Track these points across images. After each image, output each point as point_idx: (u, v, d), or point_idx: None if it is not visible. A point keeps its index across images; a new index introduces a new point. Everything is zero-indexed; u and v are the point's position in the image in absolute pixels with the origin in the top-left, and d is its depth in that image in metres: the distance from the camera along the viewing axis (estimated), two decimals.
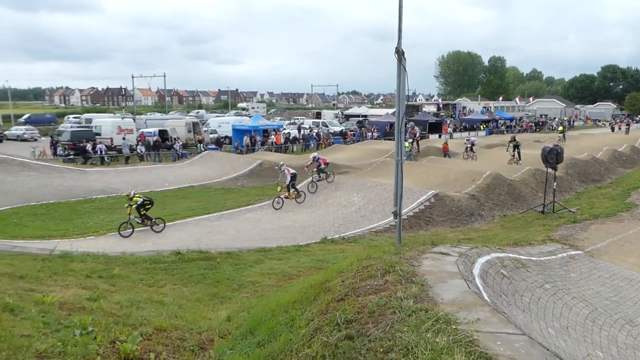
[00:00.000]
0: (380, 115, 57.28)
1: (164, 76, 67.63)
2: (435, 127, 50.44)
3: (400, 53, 6.91)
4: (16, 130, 47.86)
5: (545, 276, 7.55)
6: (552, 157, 16.48)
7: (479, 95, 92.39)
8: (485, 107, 71.37)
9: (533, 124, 63.93)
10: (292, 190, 18.31)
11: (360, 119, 58.52)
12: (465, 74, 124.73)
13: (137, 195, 14.86)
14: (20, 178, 22.21)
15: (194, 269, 9.46)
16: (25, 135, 45.23)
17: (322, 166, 19.83)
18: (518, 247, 9.26)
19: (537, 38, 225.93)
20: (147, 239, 14.00)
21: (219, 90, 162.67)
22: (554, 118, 74.37)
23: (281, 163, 19.25)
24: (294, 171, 18.49)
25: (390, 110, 59.25)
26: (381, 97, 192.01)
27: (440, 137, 46.10)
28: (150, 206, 14.95)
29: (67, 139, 33.12)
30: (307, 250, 11.85)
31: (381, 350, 3.35)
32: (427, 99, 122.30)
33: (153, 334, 5.02)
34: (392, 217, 13.43)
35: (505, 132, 56.47)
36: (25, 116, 64.28)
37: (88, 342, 4.38)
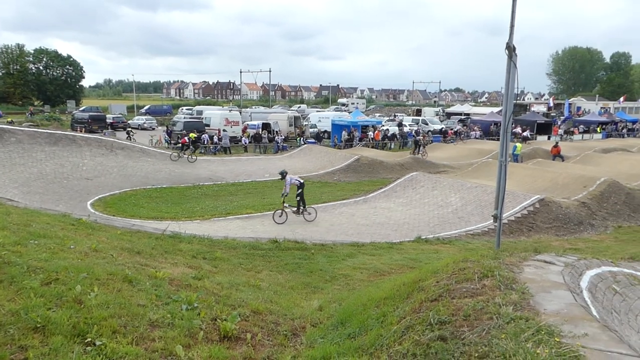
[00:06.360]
0: (484, 114, 54.82)
1: (269, 71, 70.17)
2: (545, 128, 47.24)
3: (511, 49, 6.57)
4: (138, 119, 52.55)
5: None
6: None
7: (597, 95, 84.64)
8: (603, 108, 65.31)
9: None
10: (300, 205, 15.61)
11: (463, 117, 56.50)
12: (582, 71, 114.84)
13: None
14: (139, 163, 24.44)
15: (289, 258, 9.78)
16: (145, 125, 49.46)
17: None
18: (635, 262, 8.40)
19: None
20: (247, 227, 14.73)
21: (321, 85, 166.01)
22: None
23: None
24: (302, 180, 15.97)
25: (495, 109, 56.49)
26: (486, 95, 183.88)
27: (549, 138, 43.15)
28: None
29: (180, 128, 35.75)
30: (400, 248, 11.73)
31: (476, 355, 3.25)
32: (536, 98, 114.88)
33: (250, 316, 5.28)
34: (491, 221, 12.85)
35: (626, 135, 51.41)
36: (146, 107, 70.52)
37: (193, 317, 4.72)
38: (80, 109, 60.56)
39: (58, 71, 76.48)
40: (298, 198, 15.46)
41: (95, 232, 8.84)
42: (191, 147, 27.46)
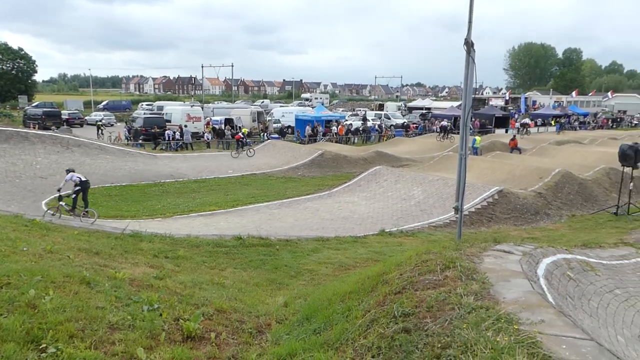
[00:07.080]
0: (444, 108, 55.89)
1: (232, 66, 69.25)
2: (502, 122, 48.56)
3: (469, 44, 6.70)
4: (95, 115, 50.87)
5: (616, 281, 7.10)
6: (631, 155, 15.34)
7: (551, 89, 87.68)
8: (557, 102, 67.75)
9: (610, 120, 59.93)
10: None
11: (424, 111, 57.42)
12: (537, 66, 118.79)
13: None
14: (97, 161, 23.68)
15: (254, 255, 9.71)
16: (103, 121, 47.97)
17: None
18: (587, 249, 8.75)
19: (620, 27, 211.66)
20: (211, 224, 14.52)
21: (284, 80, 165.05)
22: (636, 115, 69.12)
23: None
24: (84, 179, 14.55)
25: (455, 103, 57.65)
26: (446, 90, 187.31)
27: (507, 132, 44.39)
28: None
29: (140, 125, 34.86)
30: (364, 242, 11.83)
31: (439, 345, 3.31)
32: (494, 92, 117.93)
33: (214, 315, 5.21)
34: (452, 213, 13.12)
35: (578, 128, 53.49)
36: (104, 103, 68.37)
37: (154, 317, 4.61)
38: (33, 104, 58.13)
39: (8, 65, 72.88)
40: (74, 196, 14.18)
41: (51, 232, 8.53)
42: (246, 141, 29.27)
